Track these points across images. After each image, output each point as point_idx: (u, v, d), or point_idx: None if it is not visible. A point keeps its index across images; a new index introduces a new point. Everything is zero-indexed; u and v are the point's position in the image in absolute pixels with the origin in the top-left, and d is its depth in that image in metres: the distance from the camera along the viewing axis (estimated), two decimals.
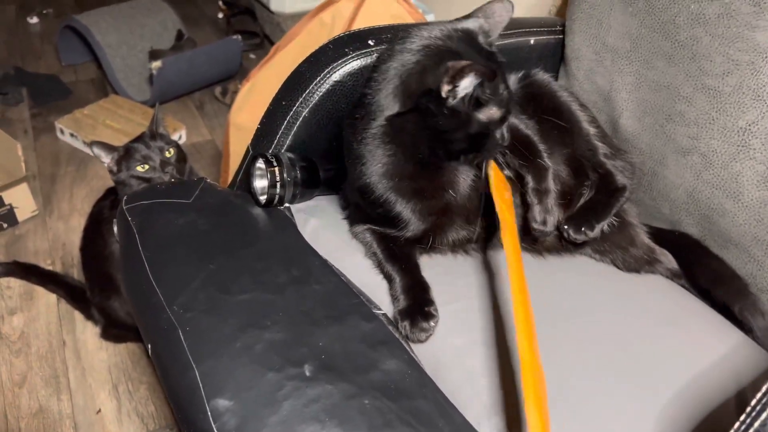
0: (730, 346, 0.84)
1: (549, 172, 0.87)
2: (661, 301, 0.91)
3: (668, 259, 0.96)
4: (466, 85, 0.69)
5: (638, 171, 0.98)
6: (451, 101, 0.71)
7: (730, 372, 0.79)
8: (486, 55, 0.78)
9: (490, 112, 0.74)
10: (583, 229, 0.87)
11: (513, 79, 0.98)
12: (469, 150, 0.77)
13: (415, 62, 0.75)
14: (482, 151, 0.78)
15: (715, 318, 0.90)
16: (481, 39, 0.79)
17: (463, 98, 0.71)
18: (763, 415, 0.49)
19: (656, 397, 0.74)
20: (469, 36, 0.78)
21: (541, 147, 0.88)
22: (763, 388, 0.51)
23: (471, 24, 0.80)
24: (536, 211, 0.85)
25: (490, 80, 0.70)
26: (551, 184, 0.86)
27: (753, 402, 0.51)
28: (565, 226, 0.87)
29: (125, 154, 1.28)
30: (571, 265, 0.94)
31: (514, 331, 0.78)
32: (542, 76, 0.97)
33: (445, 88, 0.70)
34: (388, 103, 0.76)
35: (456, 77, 0.68)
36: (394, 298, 0.81)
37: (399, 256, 0.85)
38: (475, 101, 0.72)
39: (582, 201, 0.94)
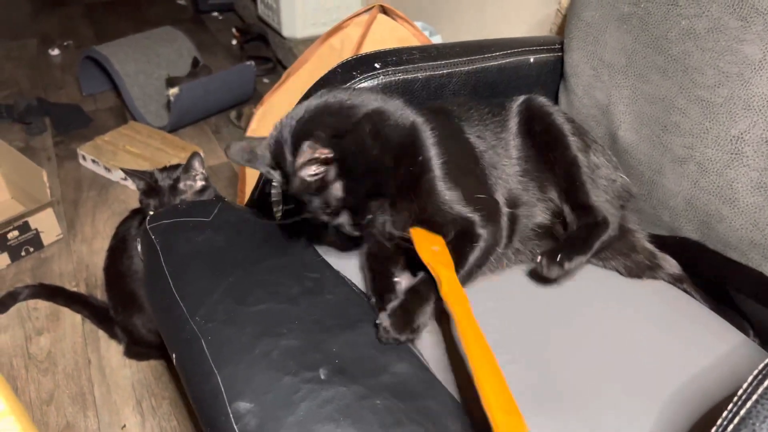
0: (730, 348, 0.86)
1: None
2: (663, 305, 0.94)
3: (670, 264, 0.99)
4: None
5: (634, 193, 1.02)
6: None
7: (729, 372, 0.82)
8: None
9: (310, 178, 0.76)
10: (559, 261, 0.85)
11: (514, 104, 1.01)
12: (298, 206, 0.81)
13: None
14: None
15: (716, 321, 0.92)
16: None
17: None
18: (749, 403, 0.53)
19: (656, 397, 0.77)
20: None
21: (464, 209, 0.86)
22: (749, 378, 0.55)
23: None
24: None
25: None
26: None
27: (739, 392, 0.54)
28: (538, 259, 0.86)
29: (146, 191, 1.35)
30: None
31: (521, 332, 0.82)
32: (540, 99, 1.01)
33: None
34: None
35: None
36: None
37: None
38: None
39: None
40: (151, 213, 1.29)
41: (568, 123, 0.99)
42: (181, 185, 1.35)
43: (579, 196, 0.94)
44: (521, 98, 1.02)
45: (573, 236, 0.92)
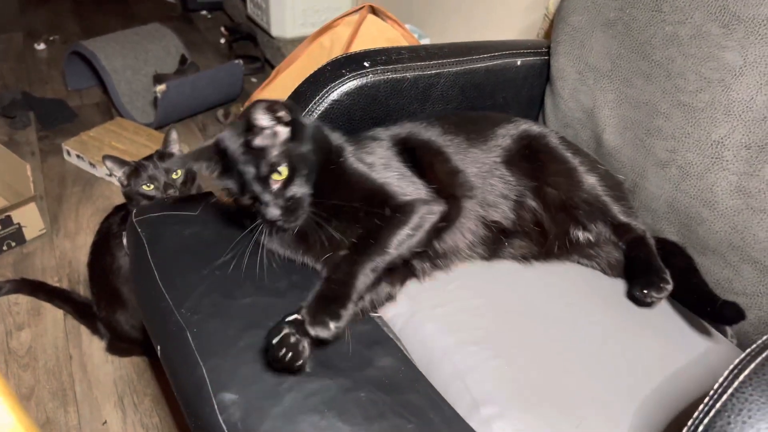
0: (707, 346, 0.88)
1: None
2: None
3: None
4: None
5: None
6: None
7: (706, 369, 0.83)
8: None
9: None
10: (661, 285, 0.88)
11: (511, 133, 1.02)
12: None
13: None
14: None
15: (694, 321, 0.94)
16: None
17: None
18: (724, 397, 0.54)
19: (637, 394, 0.78)
20: None
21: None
22: (725, 374, 0.57)
23: None
24: None
25: None
26: None
27: (715, 386, 0.56)
28: (644, 291, 0.88)
29: (134, 171, 1.34)
30: (558, 270, 0.99)
31: (505, 329, 0.83)
32: (537, 129, 1.03)
33: None
34: None
35: None
36: None
37: None
38: None
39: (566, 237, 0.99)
40: (145, 188, 1.30)
41: (565, 145, 1.02)
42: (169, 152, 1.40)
43: (612, 214, 0.97)
44: (518, 130, 1.02)
45: (639, 261, 0.94)
